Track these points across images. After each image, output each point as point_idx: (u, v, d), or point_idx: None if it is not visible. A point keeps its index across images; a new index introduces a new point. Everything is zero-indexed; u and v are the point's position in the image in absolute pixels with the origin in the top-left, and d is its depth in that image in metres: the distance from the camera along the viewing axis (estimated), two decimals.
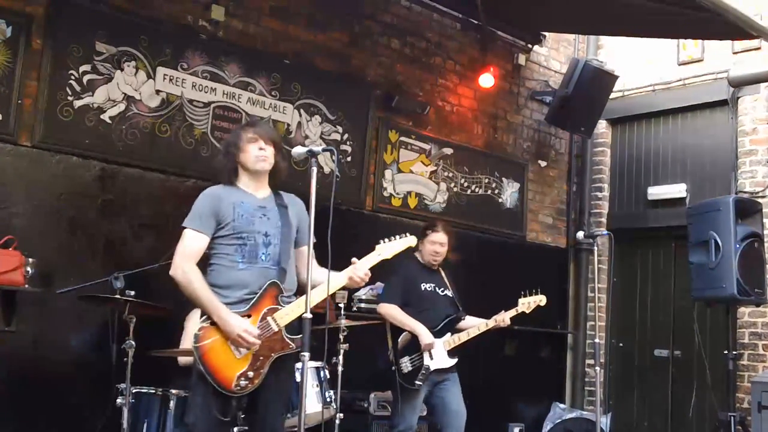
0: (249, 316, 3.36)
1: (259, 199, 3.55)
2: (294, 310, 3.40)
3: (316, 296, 3.35)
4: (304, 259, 3.51)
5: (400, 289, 4.89)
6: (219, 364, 3.30)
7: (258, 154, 3.52)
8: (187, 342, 4.22)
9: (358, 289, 5.76)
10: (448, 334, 4.91)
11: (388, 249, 3.67)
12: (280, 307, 3.41)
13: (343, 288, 3.58)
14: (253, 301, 3.38)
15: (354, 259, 3.53)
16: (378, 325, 4.94)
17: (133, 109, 5.04)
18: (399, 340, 4.82)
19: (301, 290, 3.49)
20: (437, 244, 5.04)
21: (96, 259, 4.81)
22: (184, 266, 3.36)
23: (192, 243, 3.42)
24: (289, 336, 3.41)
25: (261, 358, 3.35)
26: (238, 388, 3.30)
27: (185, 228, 3.44)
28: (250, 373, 3.32)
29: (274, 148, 3.57)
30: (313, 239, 3.30)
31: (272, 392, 3.41)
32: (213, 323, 3.32)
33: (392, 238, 3.70)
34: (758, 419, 5.56)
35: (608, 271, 7.54)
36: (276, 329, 3.38)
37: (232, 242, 3.42)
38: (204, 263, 3.46)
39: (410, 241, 3.77)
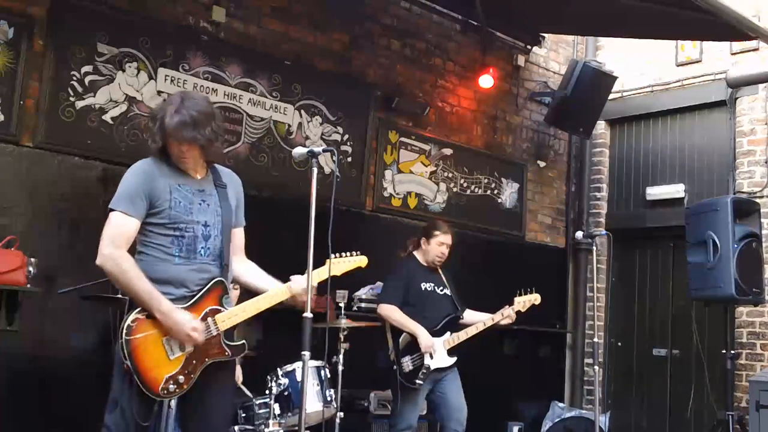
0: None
1: (197, 180, 3.13)
2: (237, 314, 3.11)
3: (260, 304, 3.16)
4: (233, 243, 3.22)
5: (399, 289, 4.91)
6: (148, 363, 2.93)
7: (177, 154, 3.07)
8: None
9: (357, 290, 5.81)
10: (448, 333, 4.94)
11: (339, 266, 3.37)
12: (222, 309, 3.09)
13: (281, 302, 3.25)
14: (194, 299, 3.03)
15: (295, 276, 3.21)
16: (378, 325, 4.96)
17: (134, 109, 5.06)
18: (400, 340, 4.84)
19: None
20: (444, 245, 5.07)
21: None
22: (114, 254, 2.94)
23: (122, 228, 2.98)
24: (226, 342, 3.09)
25: (194, 362, 3.01)
26: (165, 392, 2.96)
27: (112, 210, 3.01)
28: (180, 378, 2.98)
29: (196, 142, 3.03)
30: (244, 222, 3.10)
31: (216, 396, 3.10)
32: (150, 316, 2.95)
33: (344, 254, 3.41)
34: (756, 418, 5.57)
35: (607, 271, 7.59)
36: (215, 333, 3.05)
37: (167, 233, 3.03)
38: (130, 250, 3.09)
39: (361, 261, 3.50)
